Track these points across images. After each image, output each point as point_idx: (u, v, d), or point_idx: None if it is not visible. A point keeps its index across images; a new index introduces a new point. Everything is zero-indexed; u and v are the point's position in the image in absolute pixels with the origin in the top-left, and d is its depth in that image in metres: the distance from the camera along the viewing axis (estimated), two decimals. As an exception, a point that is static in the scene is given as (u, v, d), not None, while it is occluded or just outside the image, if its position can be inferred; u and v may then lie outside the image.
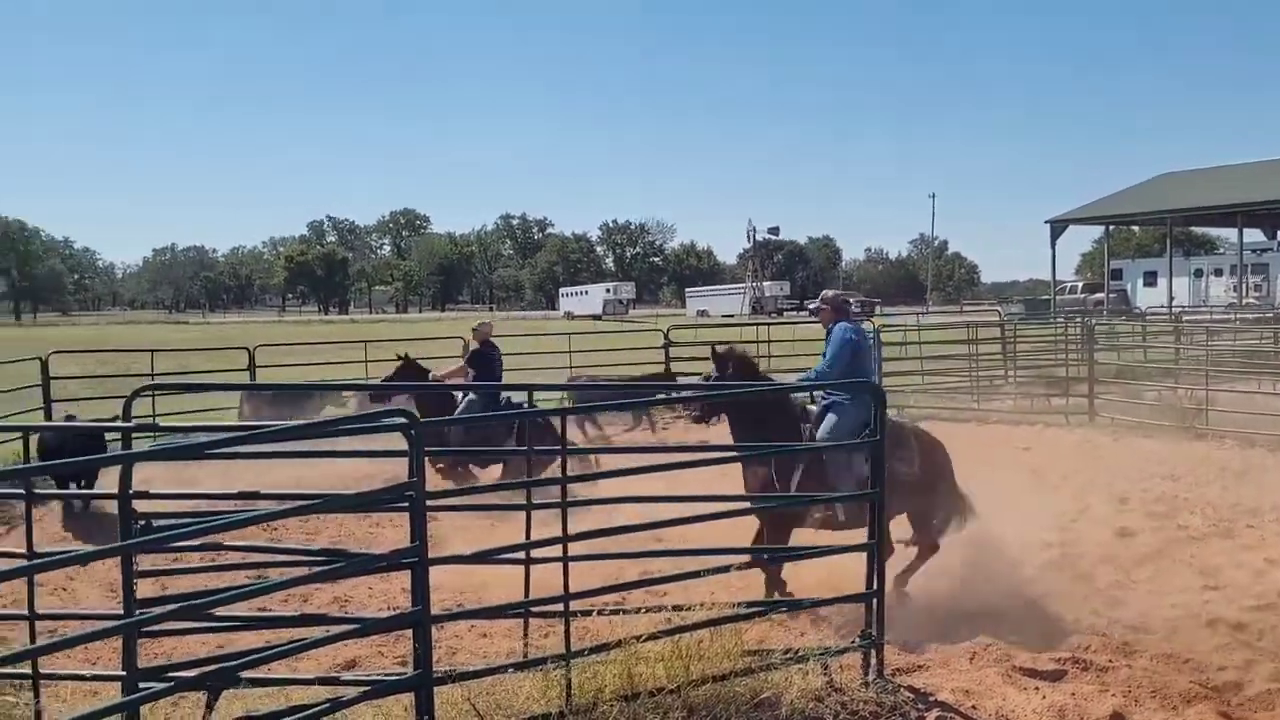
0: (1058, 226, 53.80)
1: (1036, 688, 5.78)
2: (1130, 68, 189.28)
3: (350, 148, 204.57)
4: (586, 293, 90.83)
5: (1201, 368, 17.94)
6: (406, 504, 4.74)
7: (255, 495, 5.30)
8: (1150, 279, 53.32)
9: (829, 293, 8.67)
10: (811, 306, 8.88)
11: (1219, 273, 51.13)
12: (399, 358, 14.02)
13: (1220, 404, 16.08)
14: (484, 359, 13.27)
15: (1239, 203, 45.74)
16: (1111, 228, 60.33)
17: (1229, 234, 55.03)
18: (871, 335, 21.58)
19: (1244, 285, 46.62)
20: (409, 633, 4.77)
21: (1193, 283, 51.16)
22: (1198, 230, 74.72)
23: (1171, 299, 46.83)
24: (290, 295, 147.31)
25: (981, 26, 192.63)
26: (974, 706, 5.52)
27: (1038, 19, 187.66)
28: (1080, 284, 61.73)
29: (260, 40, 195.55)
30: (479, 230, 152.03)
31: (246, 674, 4.60)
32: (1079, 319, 24.81)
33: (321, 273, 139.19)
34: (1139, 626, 7.00)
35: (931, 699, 5.56)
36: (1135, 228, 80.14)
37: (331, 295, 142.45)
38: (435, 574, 8.04)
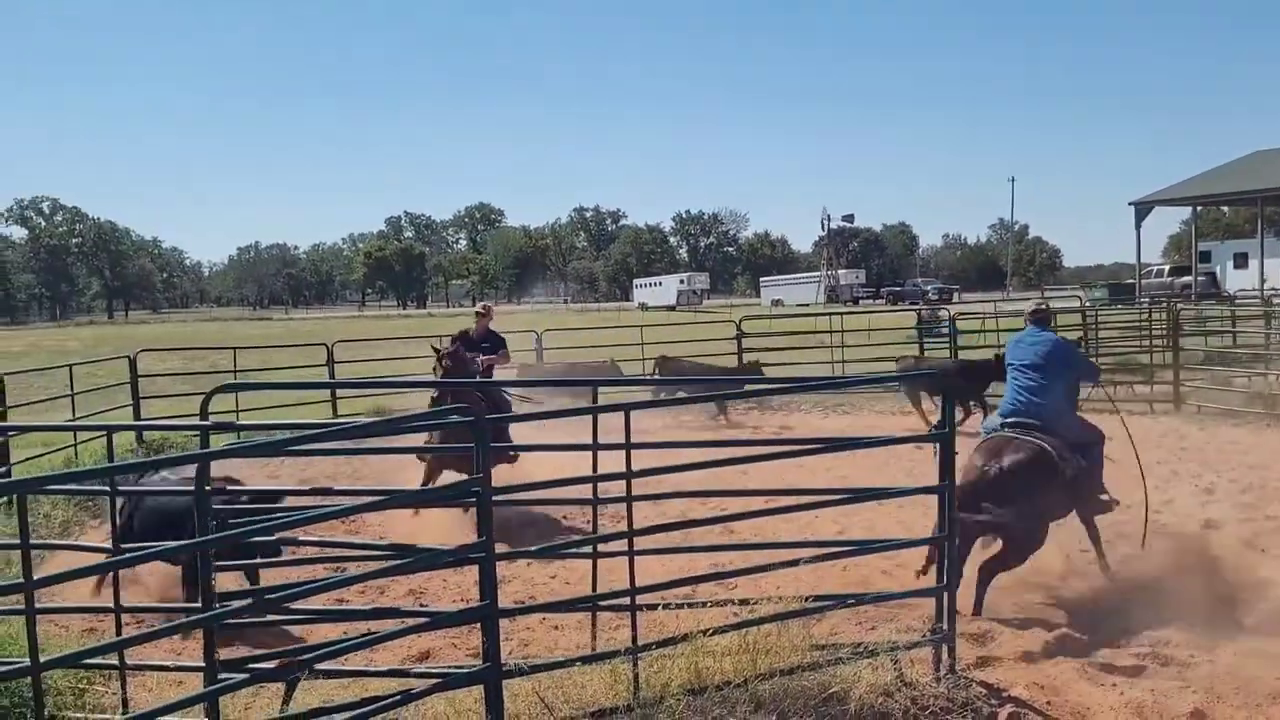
0: (1143, 208, 52.39)
1: (1114, 684, 5.66)
2: (1218, 42, 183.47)
3: (427, 143, 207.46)
4: (661, 284, 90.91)
5: (1293, 353, 17.39)
6: (474, 500, 4.81)
7: (328, 491, 5.42)
8: (1240, 261, 51.65)
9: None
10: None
11: (1316, 253, 49.33)
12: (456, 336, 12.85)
13: (1313, 391, 15.57)
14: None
15: (1335, 180, 44.10)
16: (1199, 208, 58.58)
17: (1325, 213, 53.07)
18: (946, 323, 21.37)
19: (1339, 266, 44.97)
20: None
21: (1286, 264, 49.45)
22: (1291, 209, 72.14)
23: (1263, 281, 45.32)
24: (369, 290, 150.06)
25: (1058, 6, 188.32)
26: (1048, 702, 5.43)
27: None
28: (1166, 267, 60.06)
29: (337, 38, 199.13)
30: (553, 223, 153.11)
31: (322, 665, 4.70)
32: (1164, 303, 24.17)
33: (399, 268, 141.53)
34: (1223, 619, 6.81)
35: (1005, 694, 5.48)
36: (1225, 208, 77.70)
37: (409, 290, 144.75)
38: (518, 568, 8.21)
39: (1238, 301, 33.68)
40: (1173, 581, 7.75)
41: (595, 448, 5.80)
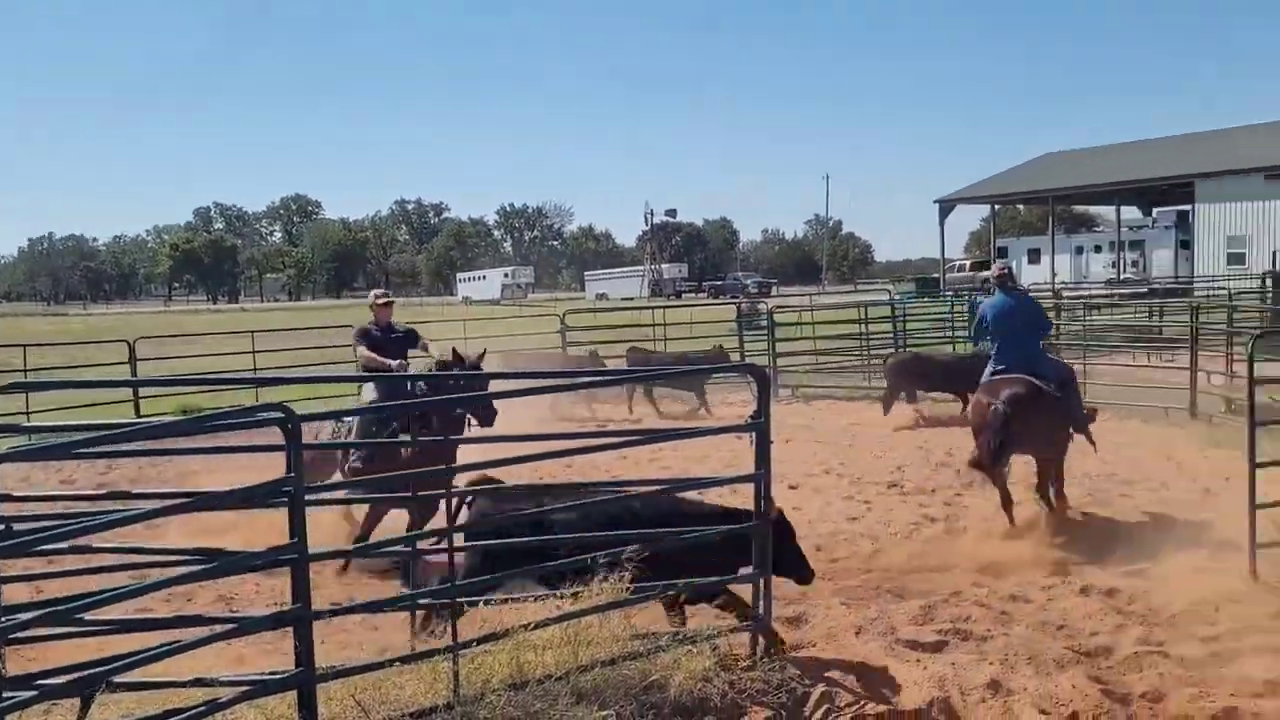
0: (946, 206, 55.16)
1: (919, 659, 5.93)
2: (1017, 47, 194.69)
3: (237, 133, 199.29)
4: (484, 277, 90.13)
5: (1081, 342, 18.62)
6: (285, 500, 4.64)
7: (126, 495, 5.13)
8: (1034, 256, 54.97)
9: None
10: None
11: (1098, 249, 52.98)
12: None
13: (1098, 376, 16.70)
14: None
15: (1116, 181, 47.49)
16: (997, 206, 62.03)
17: (1108, 211, 57.02)
18: (764, 316, 21.95)
19: (1121, 261, 48.43)
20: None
21: (1074, 259, 52.92)
22: (1079, 208, 77.18)
23: (1054, 275, 48.38)
24: (177, 285, 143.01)
25: (869, 6, 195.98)
26: (858, 679, 5.63)
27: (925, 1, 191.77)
28: (968, 262, 63.36)
29: (137, 21, 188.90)
30: (373, 216, 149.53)
31: (123, 678, 4.45)
32: (966, 296, 25.48)
33: (209, 261, 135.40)
34: (1018, 595, 7.24)
35: (818, 674, 5.66)
36: (1020, 206, 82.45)
37: (220, 284, 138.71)
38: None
39: (1031, 294, 35.80)
40: (970, 560, 8.21)
41: (414, 444, 5.70)
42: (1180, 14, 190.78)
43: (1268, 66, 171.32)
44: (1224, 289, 30.30)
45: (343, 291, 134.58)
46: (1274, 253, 38.53)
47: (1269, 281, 26.12)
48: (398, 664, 4.94)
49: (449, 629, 5.19)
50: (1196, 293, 33.28)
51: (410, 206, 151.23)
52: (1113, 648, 6.20)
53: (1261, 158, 42.30)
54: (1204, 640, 6.30)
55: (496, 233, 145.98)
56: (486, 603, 5.48)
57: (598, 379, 11.90)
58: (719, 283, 79.84)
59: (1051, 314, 24.37)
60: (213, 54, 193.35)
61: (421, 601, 5.64)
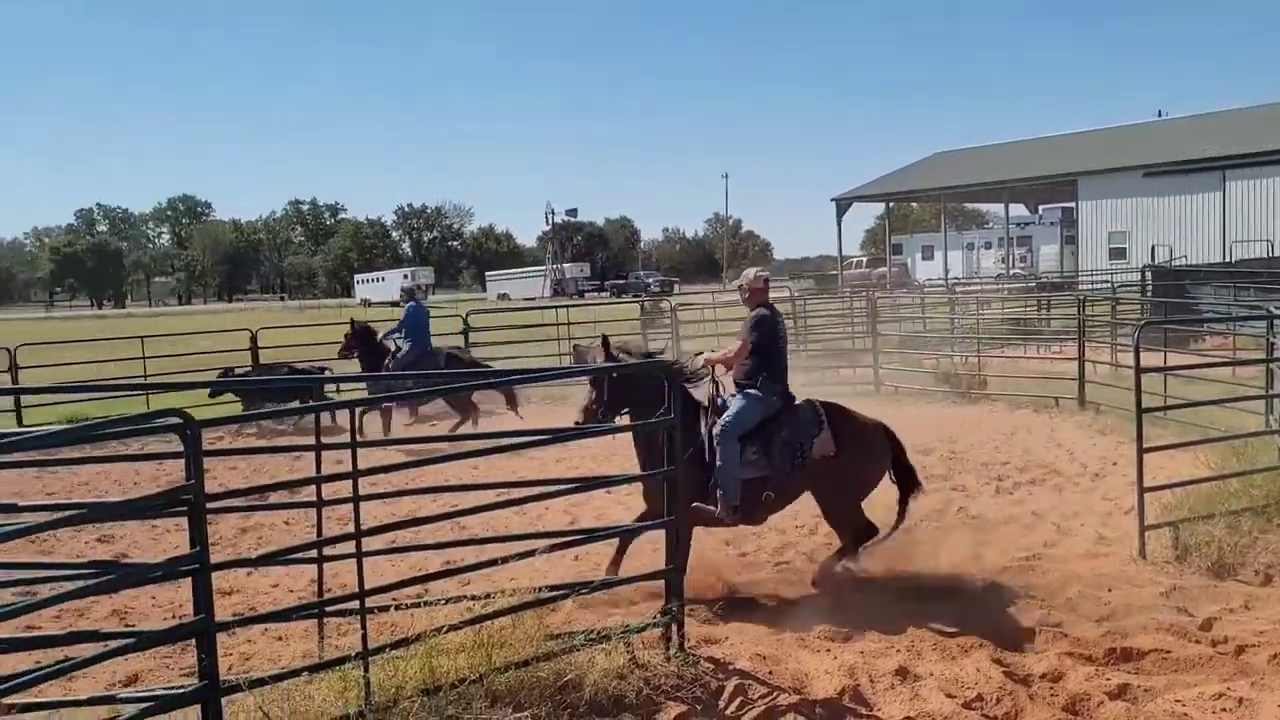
0: (843, 204, 56.13)
1: (829, 649, 6.02)
2: (912, 48, 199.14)
3: (121, 131, 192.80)
4: (384, 279, 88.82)
5: (974, 336, 19.14)
6: (184, 508, 4.49)
7: (12, 508, 4.91)
8: (928, 253, 56.37)
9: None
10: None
11: (988, 246, 54.50)
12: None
13: (991, 369, 17.18)
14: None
15: (1004, 179, 48.89)
16: (892, 204, 63.37)
17: (997, 209, 58.71)
18: (667, 314, 22.06)
19: (1010, 257, 49.89)
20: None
21: (966, 256, 54.34)
22: (970, 206, 79.32)
23: (947, 271, 49.63)
24: (58, 290, 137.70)
25: (760, 4, 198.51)
26: (770, 671, 5.70)
27: None
28: (865, 259, 64.62)
29: (15, 11, 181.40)
30: (267, 217, 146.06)
31: (12, 699, 4.26)
32: (864, 293, 25.95)
33: (93, 264, 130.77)
34: (921, 584, 7.39)
35: (731, 667, 5.70)
36: (914, 204, 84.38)
37: (105, 288, 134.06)
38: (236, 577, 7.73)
39: (926, 290, 36.67)
40: (875, 551, 8.35)
41: (319, 448, 5.58)
42: (1066, 14, 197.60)
43: (1145, 65, 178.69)
44: (1107, 282, 31.45)
45: (235, 295, 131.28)
46: (1153, 247, 40.10)
47: (1149, 275, 27.14)
48: (307, 673, 4.82)
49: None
50: (1081, 287, 34.49)
51: (305, 207, 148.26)
52: (1014, 631, 6.37)
53: (1140, 156, 44.04)
54: (1098, 620, 6.53)
55: (395, 233, 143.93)
56: (398, 608, 5.38)
57: (504, 381, 11.80)
58: (621, 282, 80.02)
59: (945, 309, 25.12)
60: (93, 43, 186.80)
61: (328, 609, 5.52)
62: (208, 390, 13.89)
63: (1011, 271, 47.83)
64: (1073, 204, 47.22)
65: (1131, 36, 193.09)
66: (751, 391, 7.52)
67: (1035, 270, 48.03)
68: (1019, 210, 56.16)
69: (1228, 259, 35.55)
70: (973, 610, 6.82)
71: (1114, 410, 13.54)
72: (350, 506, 5.35)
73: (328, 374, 15.20)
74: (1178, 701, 5.27)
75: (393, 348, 15.12)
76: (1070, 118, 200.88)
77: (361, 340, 15.19)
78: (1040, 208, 55.73)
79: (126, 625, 7.00)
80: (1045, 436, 13.14)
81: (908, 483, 7.72)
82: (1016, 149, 54.32)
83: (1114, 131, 51.01)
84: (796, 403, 7.61)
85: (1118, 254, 42.58)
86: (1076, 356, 15.34)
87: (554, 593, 5.72)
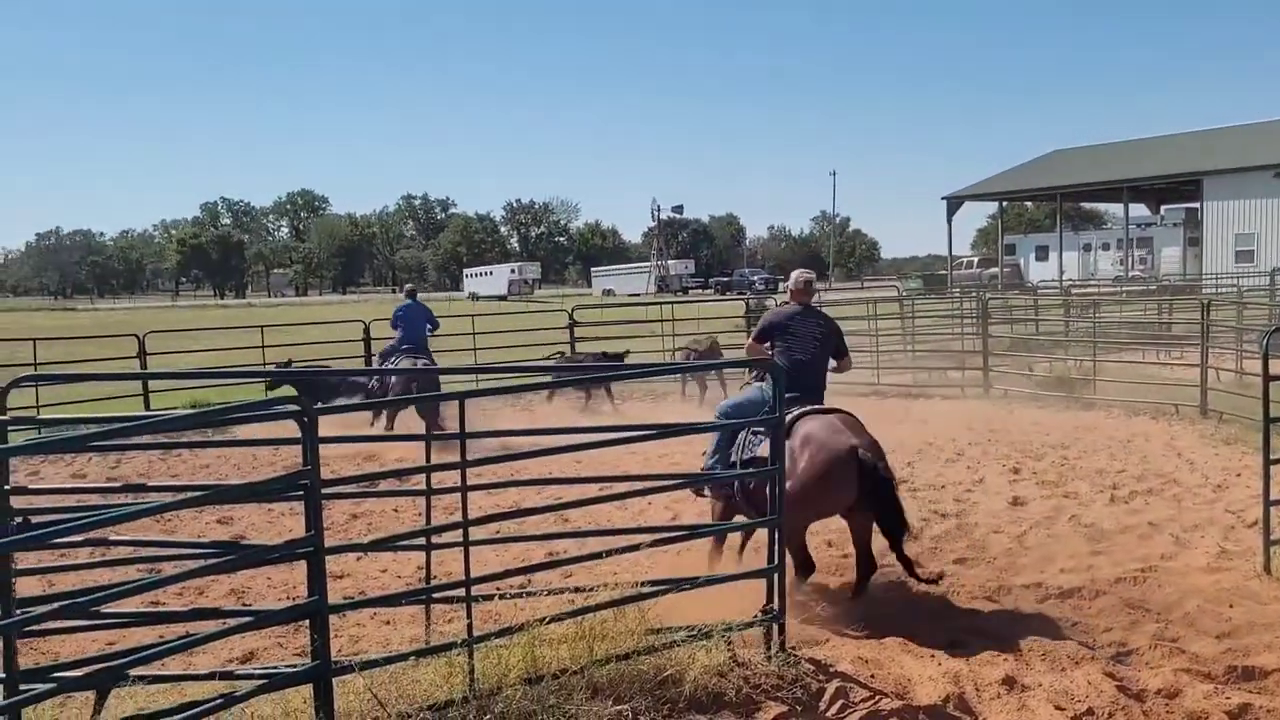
0: (954, 203, 55.09)
1: (933, 656, 5.92)
2: (1026, 44, 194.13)
3: (244, 127, 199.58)
4: (491, 273, 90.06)
5: (1089, 339, 18.59)
6: (301, 493, 4.63)
7: (142, 488, 5.13)
8: (1042, 253, 54.93)
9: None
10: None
11: (1106, 247, 52.90)
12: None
13: (1107, 374, 16.67)
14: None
15: (1124, 179, 47.37)
16: (1005, 204, 61.94)
17: (1116, 209, 56.94)
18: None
19: (1129, 258, 48.33)
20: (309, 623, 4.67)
21: (1082, 257, 52.85)
22: (1087, 205, 77.05)
23: (1062, 273, 48.33)
24: (184, 280, 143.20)
25: (877, 5, 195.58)
26: (873, 675, 5.63)
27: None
28: (976, 259, 63.31)
29: (142, 12, 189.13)
30: (380, 211, 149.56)
31: (137, 671, 4.45)
32: (974, 293, 25.44)
33: (216, 256, 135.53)
34: (1031, 593, 7.22)
35: (832, 670, 5.65)
36: (1028, 204, 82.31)
37: (227, 279, 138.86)
38: (343, 562, 7.97)
39: (1039, 292, 35.72)
40: (983, 558, 8.19)
41: (429, 438, 5.70)
42: (1189, 9, 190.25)
43: (1274, 64, 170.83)
44: (1233, 286, 30.22)
45: (349, 287, 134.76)
46: (1283, 250, 38.43)
47: (1278, 279, 26.01)
48: (414, 657, 4.94)
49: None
50: (1205, 290, 33.19)
51: (417, 202, 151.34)
52: (1127, 644, 6.18)
53: (1270, 155, 42.19)
54: (1218, 637, 6.29)
55: (503, 228, 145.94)
56: (502, 597, 5.46)
57: (609, 374, 11.88)
58: (726, 279, 79.80)
59: (1059, 311, 24.45)
60: (219, 48, 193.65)
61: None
62: (265, 382, 14.37)
63: (1131, 274, 46.33)
64: (1197, 204, 45.52)
65: (1260, 31, 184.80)
66: (755, 385, 7.65)
67: (1156, 272, 46.43)
68: (1139, 210, 54.38)
69: (1365, 263, 33.87)
70: (1084, 621, 6.64)
71: (1238, 419, 13.03)
72: (457, 496, 5.46)
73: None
74: (1302, 724, 5.05)
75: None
76: (1195, 115, 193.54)
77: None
78: (1162, 208, 53.84)
79: (244, 604, 7.24)
80: (1164, 445, 12.69)
81: (886, 521, 6.74)
82: (1137, 147, 52.60)
83: (1242, 129, 48.97)
84: (797, 407, 7.05)
85: (1244, 257, 40.95)
86: (1199, 363, 14.79)
87: (655, 588, 5.74)
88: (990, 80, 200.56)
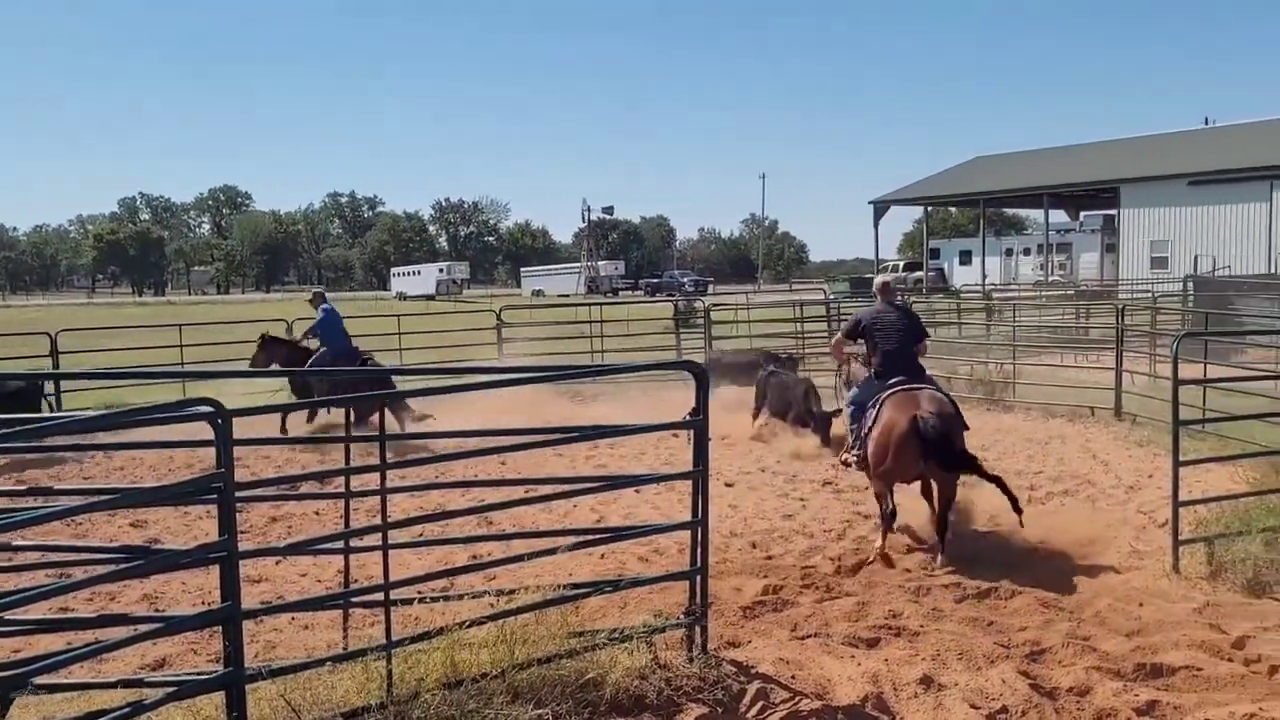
0: (880, 207, 55.90)
1: (853, 656, 5.98)
2: (955, 50, 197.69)
3: (165, 122, 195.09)
4: (419, 273, 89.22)
5: (1009, 343, 18.97)
6: (214, 496, 4.53)
7: (49, 491, 4.97)
8: (965, 258, 55.94)
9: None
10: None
11: (1027, 252, 54.03)
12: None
13: (1026, 376, 17.01)
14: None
15: (1044, 185, 48.45)
16: (930, 208, 62.96)
17: (1037, 214, 58.19)
18: (701, 315, 22.02)
19: (1049, 264, 49.42)
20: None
21: (1004, 261, 53.92)
22: (1009, 211, 78.61)
23: (985, 277, 49.24)
24: (100, 277, 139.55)
25: (804, 8, 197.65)
26: (794, 676, 5.67)
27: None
28: (901, 263, 64.22)
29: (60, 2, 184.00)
30: (306, 208, 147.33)
31: (41, 679, 4.32)
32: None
33: (134, 253, 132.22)
34: (949, 593, 7.33)
35: (754, 671, 5.68)
36: (952, 208, 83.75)
37: (146, 276, 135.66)
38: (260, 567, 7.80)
39: (962, 295, 36.37)
40: (905, 558, 8.31)
41: (348, 440, 5.61)
42: (1112, 17, 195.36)
43: (1191, 75, 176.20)
44: (1148, 292, 31.06)
45: (273, 285, 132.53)
46: (1196, 257, 39.59)
47: (1190, 285, 26.79)
48: (330, 663, 4.86)
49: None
50: (1121, 295, 34.09)
51: (344, 199, 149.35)
52: (1041, 643, 6.30)
53: (1184, 165, 43.47)
54: (1128, 635, 6.44)
55: (432, 227, 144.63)
56: (421, 601, 5.40)
57: (531, 378, 11.82)
58: (656, 280, 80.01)
59: (981, 315, 24.91)
60: (140, 40, 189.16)
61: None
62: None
63: (1050, 279, 47.38)
64: (1115, 211, 46.69)
65: (1179, 42, 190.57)
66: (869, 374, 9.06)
67: (1075, 278, 47.55)
68: (1059, 217, 55.62)
69: (1274, 270, 35.04)
70: (1000, 621, 6.76)
71: (1151, 422, 13.38)
72: (385, 498, 5.39)
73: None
74: (1208, 720, 5.19)
75: (313, 346, 15.22)
76: (1114, 124, 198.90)
77: (275, 349, 15.19)
78: (1081, 214, 55.14)
79: (157, 610, 7.07)
80: (1080, 447, 12.99)
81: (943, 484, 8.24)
82: (1058, 154, 53.80)
83: (1159, 139, 50.38)
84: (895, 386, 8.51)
85: (1160, 263, 42.08)
86: (1114, 366, 15.16)
87: (577, 590, 5.71)
88: (918, 85, 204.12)
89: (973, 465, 8.04)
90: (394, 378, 13.45)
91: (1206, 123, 53.01)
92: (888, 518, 8.27)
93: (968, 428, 8.65)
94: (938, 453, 7.89)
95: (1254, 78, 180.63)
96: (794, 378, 14.52)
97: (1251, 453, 9.43)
